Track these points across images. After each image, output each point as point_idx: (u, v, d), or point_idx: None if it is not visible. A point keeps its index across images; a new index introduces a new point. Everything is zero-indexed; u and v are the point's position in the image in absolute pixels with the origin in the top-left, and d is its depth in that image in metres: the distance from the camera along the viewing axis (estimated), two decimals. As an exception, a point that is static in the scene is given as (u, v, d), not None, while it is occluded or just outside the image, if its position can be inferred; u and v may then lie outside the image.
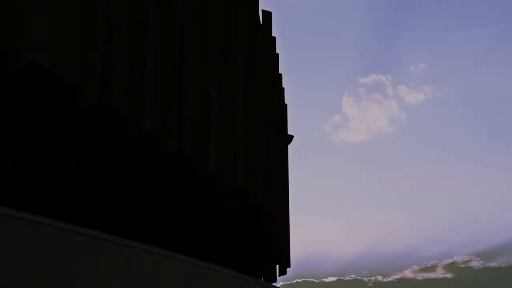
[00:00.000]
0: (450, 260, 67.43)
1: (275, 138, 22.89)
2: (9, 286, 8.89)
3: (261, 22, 22.26)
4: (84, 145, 14.67)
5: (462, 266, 67.08)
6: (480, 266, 66.56)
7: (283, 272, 25.94)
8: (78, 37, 12.98)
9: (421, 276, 66.99)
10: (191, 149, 15.83)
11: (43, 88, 12.67)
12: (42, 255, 9.43)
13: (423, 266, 67.73)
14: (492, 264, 66.59)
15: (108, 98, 13.44)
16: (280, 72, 25.95)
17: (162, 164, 15.61)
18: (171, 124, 14.99)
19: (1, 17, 11.87)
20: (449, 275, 66.18)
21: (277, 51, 25.12)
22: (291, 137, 27.54)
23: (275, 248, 23.55)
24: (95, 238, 10.33)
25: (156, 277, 11.62)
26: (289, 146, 27.60)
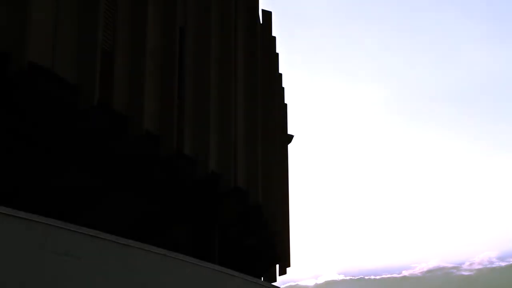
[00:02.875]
0: (470, 258, 67.27)
1: (275, 138, 22.88)
2: (9, 286, 8.90)
3: (261, 22, 22.26)
4: (84, 145, 14.67)
5: (482, 264, 66.91)
6: (503, 264, 66.25)
7: (283, 272, 25.95)
8: (78, 37, 12.99)
9: (429, 274, 66.94)
10: (191, 149, 15.83)
11: (43, 88, 12.67)
12: (42, 255, 9.43)
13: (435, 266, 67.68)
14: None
15: (108, 98, 13.45)
16: (280, 72, 25.95)
17: (162, 164, 15.61)
18: (171, 124, 15.00)
19: (1, 17, 11.88)
20: (467, 273, 66.04)
21: (277, 51, 25.13)
22: (291, 136, 27.55)
23: (275, 248, 23.55)
24: (95, 238, 10.33)
25: (156, 277, 11.62)
26: (289, 146, 27.62)
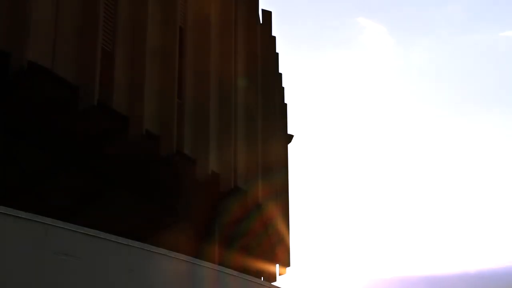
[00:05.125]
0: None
1: (275, 138, 22.89)
2: (9, 286, 8.90)
3: (261, 22, 22.26)
4: (84, 145, 14.68)
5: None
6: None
7: (283, 272, 25.94)
8: (78, 37, 13.00)
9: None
10: (191, 149, 15.84)
11: (43, 88, 12.68)
12: (42, 255, 9.44)
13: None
14: None
15: (108, 98, 13.46)
16: (280, 71, 25.96)
17: (162, 164, 15.62)
18: (171, 124, 15.00)
19: (1, 17, 11.89)
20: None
21: (277, 50, 25.14)
22: (291, 136, 27.54)
23: (275, 248, 23.56)
24: (95, 238, 10.34)
25: (156, 277, 11.63)
26: (289, 145, 27.61)
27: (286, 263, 25.74)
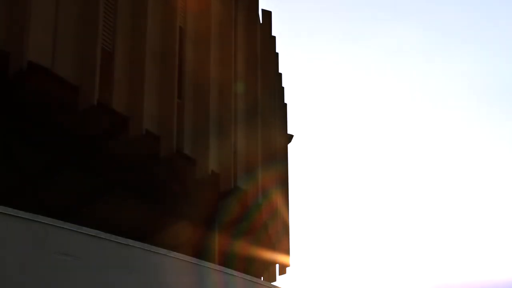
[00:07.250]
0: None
1: (275, 138, 22.90)
2: (9, 286, 8.90)
3: (261, 22, 22.27)
4: (84, 145, 14.68)
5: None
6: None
7: (283, 272, 25.96)
8: (78, 37, 13.00)
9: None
10: (191, 149, 15.84)
11: (43, 88, 12.69)
12: (42, 255, 9.44)
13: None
14: None
15: (108, 98, 13.47)
16: (280, 71, 25.97)
17: (162, 164, 15.63)
18: (171, 124, 15.01)
19: (1, 17, 11.90)
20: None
21: (277, 50, 25.15)
22: (291, 136, 27.55)
23: (275, 248, 23.57)
24: (95, 238, 10.34)
25: (156, 277, 11.63)
26: (289, 145, 27.63)
27: (286, 263, 25.76)
